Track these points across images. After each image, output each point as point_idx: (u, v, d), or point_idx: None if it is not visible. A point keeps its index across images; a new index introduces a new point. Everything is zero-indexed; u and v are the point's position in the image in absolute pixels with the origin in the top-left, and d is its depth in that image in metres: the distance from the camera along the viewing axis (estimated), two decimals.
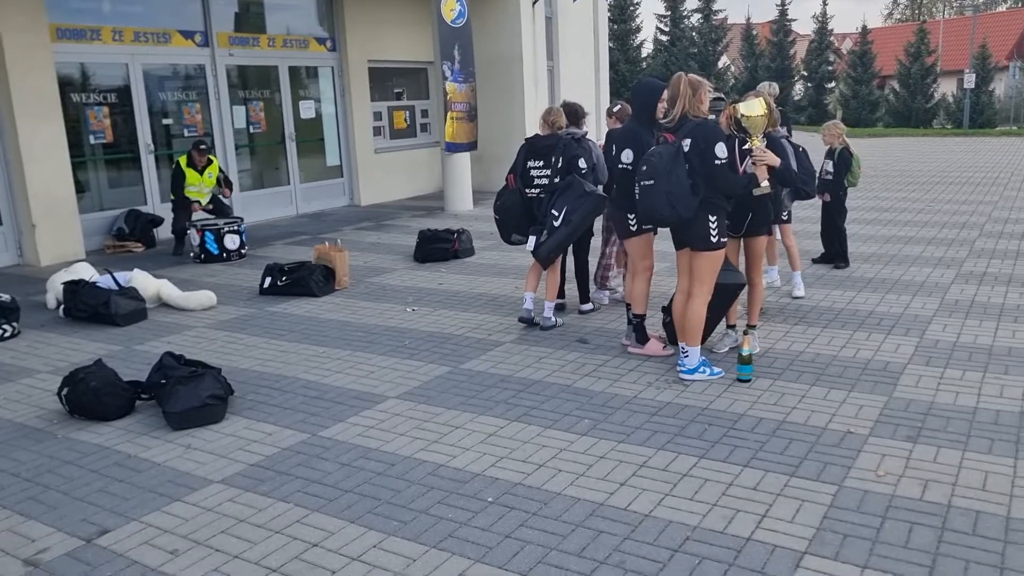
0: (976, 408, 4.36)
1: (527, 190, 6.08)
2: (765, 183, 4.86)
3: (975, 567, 2.95)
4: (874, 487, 3.55)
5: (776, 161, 4.87)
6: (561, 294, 6.58)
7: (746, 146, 4.87)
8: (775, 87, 8.08)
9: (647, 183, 4.73)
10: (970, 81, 29.84)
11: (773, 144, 5.33)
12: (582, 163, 5.87)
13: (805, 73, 36.37)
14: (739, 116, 4.79)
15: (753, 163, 4.85)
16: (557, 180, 5.91)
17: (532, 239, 5.92)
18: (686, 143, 4.70)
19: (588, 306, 6.57)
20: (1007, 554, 3.02)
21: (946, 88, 33.52)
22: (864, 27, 35.31)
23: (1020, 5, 50.24)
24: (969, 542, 3.10)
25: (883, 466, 3.74)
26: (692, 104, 4.74)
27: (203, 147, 9.70)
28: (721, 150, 4.63)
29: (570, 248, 6.30)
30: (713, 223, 4.70)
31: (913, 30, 35.00)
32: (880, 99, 34.37)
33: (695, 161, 4.66)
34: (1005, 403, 4.40)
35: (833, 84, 36.20)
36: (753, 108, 4.77)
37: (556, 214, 5.76)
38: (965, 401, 4.45)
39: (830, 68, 36.06)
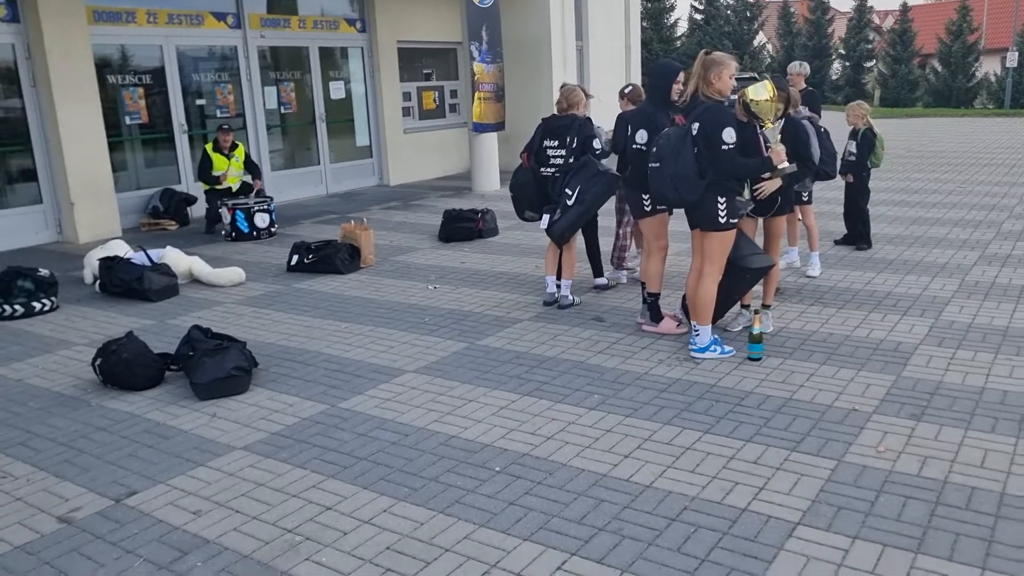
0: (984, 388, 4.39)
1: (542, 169, 6.16)
2: (784, 163, 4.86)
3: (964, 540, 3.02)
4: (873, 463, 3.62)
5: (783, 155, 4.84)
6: (599, 271, 6.74)
7: (760, 130, 4.90)
8: (806, 67, 8.08)
9: (654, 165, 4.81)
10: (1013, 59, 29.12)
11: (793, 125, 5.37)
12: (597, 143, 5.94)
13: (843, 52, 35.76)
14: (747, 101, 4.82)
15: (770, 146, 4.88)
16: (572, 160, 5.99)
17: (546, 217, 6.01)
18: (695, 126, 4.74)
19: (602, 280, 6.68)
20: (997, 528, 3.09)
21: (989, 67, 32.76)
22: (905, 4, 34.58)
23: None
24: (961, 516, 3.17)
25: (884, 443, 3.81)
26: (704, 83, 4.77)
27: (227, 128, 9.89)
28: (729, 135, 4.64)
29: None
30: (722, 204, 4.75)
31: (955, 7, 34.19)
32: (920, 78, 33.71)
33: (702, 145, 4.70)
34: (1013, 383, 4.43)
35: (872, 63, 35.56)
36: (760, 92, 4.79)
37: (570, 193, 5.85)
38: (973, 381, 4.49)
39: (869, 47, 35.42)
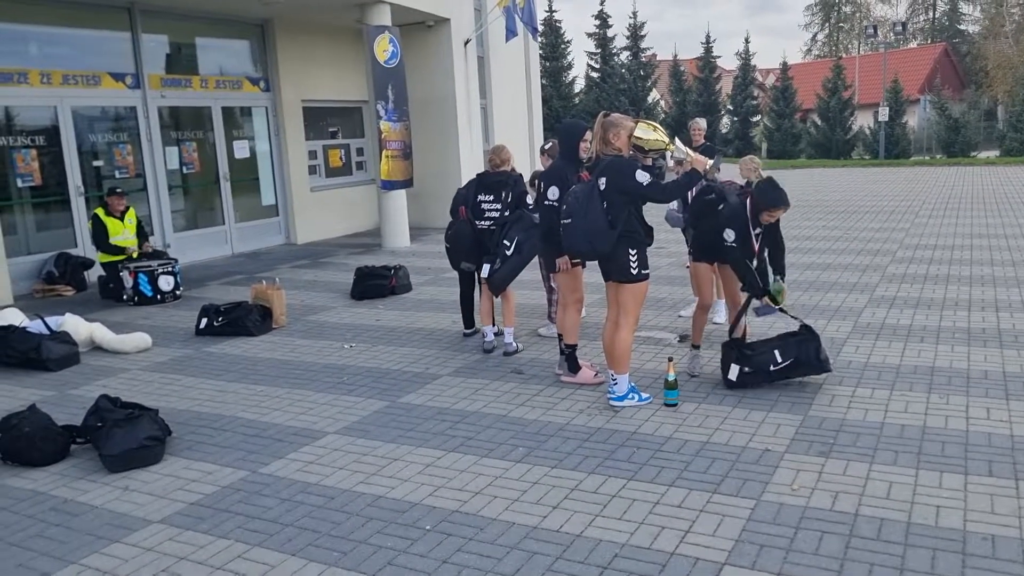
0: (883, 423, 4.67)
1: (478, 222, 6.45)
2: (709, 163, 5.02)
3: (879, 570, 3.19)
4: (789, 500, 3.79)
5: (702, 161, 5.03)
6: (472, 323, 7.08)
7: (669, 155, 5.13)
8: (703, 122, 8.52)
9: (566, 221, 5.00)
10: (884, 114, 31.34)
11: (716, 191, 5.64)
12: (529, 199, 6.24)
13: (731, 107, 37.69)
14: (638, 143, 5.06)
15: (687, 161, 5.05)
16: (508, 214, 6.29)
17: (487, 267, 6.27)
18: (602, 181, 4.96)
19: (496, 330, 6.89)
20: (907, 556, 3.27)
21: (863, 121, 35.11)
22: (784, 63, 36.85)
23: (929, 42, 53.07)
24: (873, 547, 3.35)
25: (798, 480, 3.99)
26: (604, 143, 5.02)
27: (119, 191, 9.60)
28: (642, 175, 4.87)
29: (467, 280, 6.93)
30: (633, 256, 4.95)
31: (830, 66, 36.65)
32: (802, 132, 35.79)
33: (617, 198, 4.90)
34: (909, 418, 4.72)
35: (758, 118, 37.59)
36: (646, 132, 5.04)
37: (508, 244, 6.11)
38: (873, 417, 4.76)
39: (754, 103, 37.45)
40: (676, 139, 5.10)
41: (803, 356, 5.25)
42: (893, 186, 20.01)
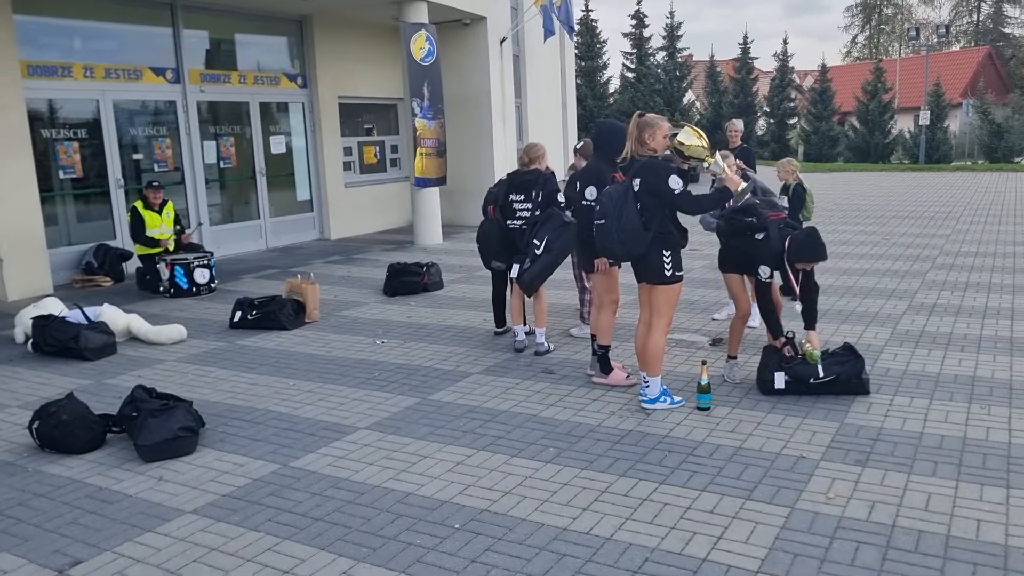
0: (922, 433, 4.57)
1: (509, 221, 6.43)
2: (741, 185, 4.97)
3: None
4: (824, 509, 3.72)
5: (735, 182, 4.97)
6: (504, 322, 7.08)
7: (705, 166, 5.06)
8: (740, 123, 8.47)
9: (599, 222, 4.95)
10: (925, 118, 30.81)
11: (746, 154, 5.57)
12: (561, 196, 6.18)
13: (767, 109, 37.27)
14: (678, 146, 5.01)
15: (722, 177, 5.00)
16: (538, 213, 6.24)
17: (516, 267, 6.20)
18: (636, 182, 4.91)
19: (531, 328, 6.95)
20: (946, 570, 3.19)
21: (903, 124, 34.55)
22: (823, 65, 36.36)
23: (972, 45, 52.06)
24: (911, 559, 3.28)
25: (833, 489, 3.92)
26: (639, 143, 4.96)
27: (156, 184, 9.74)
28: (675, 181, 4.81)
29: (499, 279, 6.92)
30: (667, 257, 4.90)
31: (870, 68, 36.10)
32: (840, 135, 35.29)
33: (649, 200, 4.86)
34: (949, 428, 4.62)
35: (795, 120, 37.13)
36: (689, 137, 4.98)
37: (538, 243, 6.04)
38: (912, 427, 4.66)
39: (791, 105, 37.00)
40: (717, 153, 5.06)
41: (845, 375, 5.16)
42: (933, 191, 19.65)
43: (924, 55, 37.36)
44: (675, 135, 5.12)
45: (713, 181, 5.73)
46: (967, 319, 7.05)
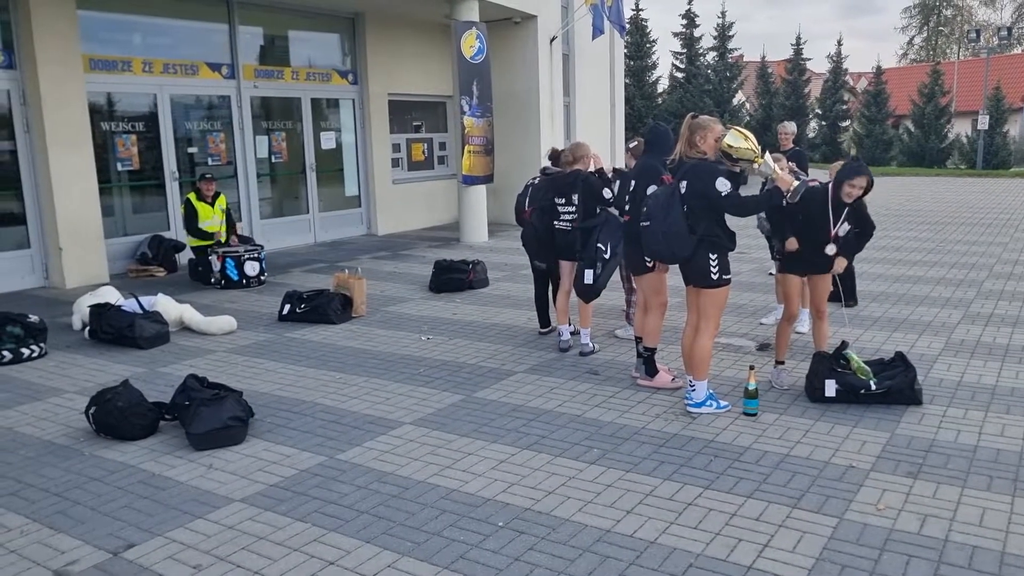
0: (977, 446, 4.46)
1: (555, 222, 6.41)
2: (795, 185, 4.86)
3: None
4: (874, 520, 3.65)
5: (787, 181, 4.89)
6: (548, 323, 7.10)
7: (756, 167, 4.97)
8: (793, 126, 8.36)
9: (645, 224, 4.94)
10: (984, 122, 29.98)
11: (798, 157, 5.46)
12: (607, 192, 6.11)
13: (819, 111, 36.63)
14: (727, 149, 4.91)
15: (772, 177, 4.93)
16: (582, 216, 6.24)
17: (589, 272, 6.12)
18: (682, 185, 4.86)
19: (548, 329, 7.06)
20: None
21: (960, 128, 33.67)
22: (878, 67, 35.60)
23: None
24: (965, 575, 3.20)
25: (883, 500, 3.84)
26: (689, 145, 4.90)
27: (209, 176, 9.95)
28: (722, 184, 4.76)
29: (541, 279, 6.99)
30: (714, 260, 4.85)
31: (927, 71, 35.25)
32: (894, 138, 34.52)
33: (696, 203, 4.81)
34: (1005, 442, 4.50)
35: (847, 123, 36.43)
36: (737, 139, 4.88)
37: (603, 248, 6.04)
38: (966, 439, 4.55)
39: (844, 107, 36.31)
40: (767, 153, 4.97)
41: (897, 386, 5.06)
42: (991, 197, 19.12)
43: (984, 58, 36.36)
44: (722, 137, 5.05)
45: (764, 183, 5.65)
46: None
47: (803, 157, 8.09)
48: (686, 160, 4.95)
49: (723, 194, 4.77)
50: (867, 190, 5.22)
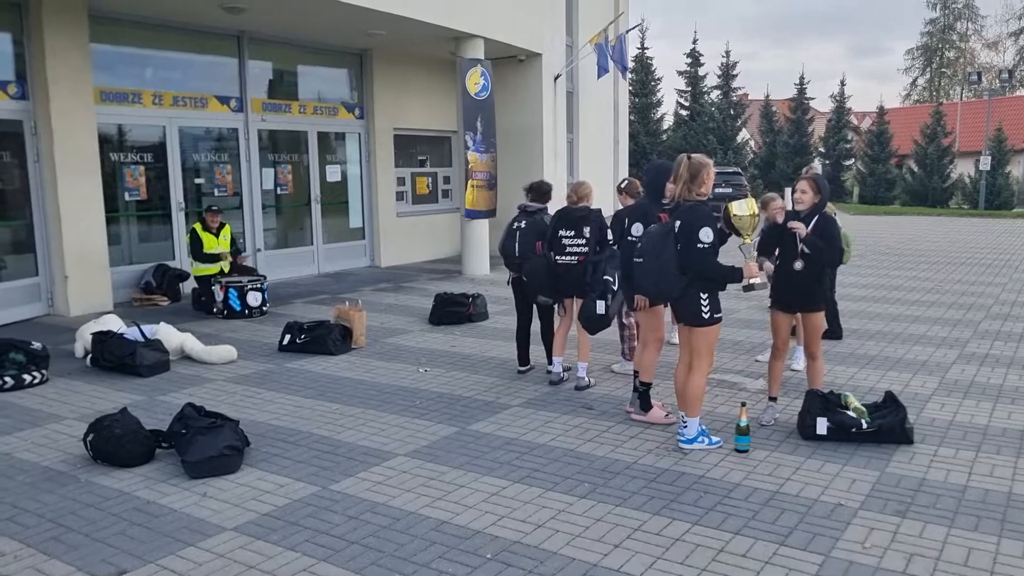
0: (966, 486, 4.48)
1: (559, 257, 6.42)
2: (756, 279, 5.04)
3: None
4: (860, 559, 3.68)
5: (755, 271, 5.04)
6: (527, 361, 7.11)
7: (740, 245, 5.06)
8: (818, 166, 8.64)
9: (637, 260, 5.02)
10: (986, 163, 30.16)
11: (826, 222, 5.47)
12: (610, 233, 6.24)
13: (823, 150, 36.92)
14: (731, 215, 5.01)
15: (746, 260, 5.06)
16: (593, 249, 6.29)
17: (601, 303, 6.08)
18: (677, 224, 4.94)
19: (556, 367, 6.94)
20: None
21: (963, 169, 33.86)
22: (881, 108, 35.93)
23: None
24: None
25: (870, 539, 3.87)
26: (687, 188, 4.97)
27: (215, 208, 10.10)
28: (706, 234, 4.82)
29: (537, 314, 6.99)
30: (704, 300, 4.91)
31: (930, 111, 35.55)
32: (897, 178, 34.74)
33: (682, 242, 4.89)
34: (994, 482, 4.52)
35: (851, 162, 36.68)
36: (743, 208, 4.97)
37: (611, 280, 6.06)
38: (955, 479, 4.58)
39: (848, 146, 36.60)
40: (753, 237, 5.12)
41: (888, 424, 5.10)
42: (992, 238, 19.20)
43: (986, 99, 36.67)
44: (734, 199, 5.16)
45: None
46: (1020, 371, 6.88)
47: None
48: (683, 202, 5.01)
49: (703, 245, 4.82)
50: (818, 206, 5.32)
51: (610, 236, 6.29)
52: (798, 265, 5.34)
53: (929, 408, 5.87)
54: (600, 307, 6.17)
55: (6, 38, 9.35)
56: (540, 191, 7.03)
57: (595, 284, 6.18)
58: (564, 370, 6.72)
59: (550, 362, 6.90)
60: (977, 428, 5.44)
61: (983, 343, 7.94)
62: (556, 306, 6.80)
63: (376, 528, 4.04)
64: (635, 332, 7.04)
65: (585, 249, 6.33)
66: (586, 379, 6.51)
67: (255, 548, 3.85)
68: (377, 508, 4.28)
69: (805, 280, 5.39)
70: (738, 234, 5.03)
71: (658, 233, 4.99)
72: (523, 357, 7.10)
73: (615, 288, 6.07)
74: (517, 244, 6.75)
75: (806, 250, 5.30)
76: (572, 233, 6.39)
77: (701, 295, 4.91)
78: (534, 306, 6.94)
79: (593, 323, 6.18)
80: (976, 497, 4.33)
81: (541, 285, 6.64)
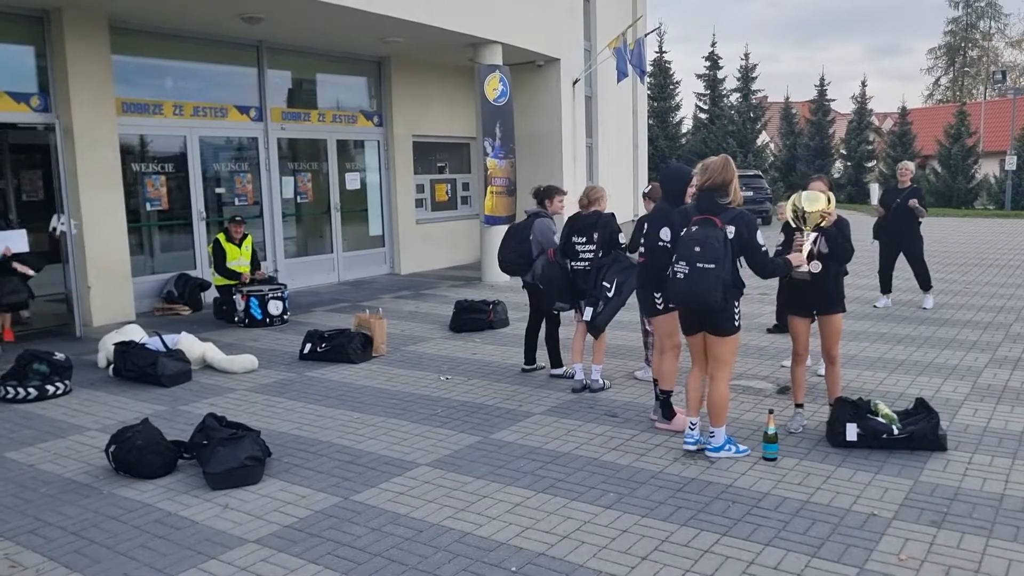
0: (1003, 495, 4.35)
1: (572, 263, 6.45)
2: (803, 268, 5.16)
3: None
4: (895, 571, 3.57)
5: (800, 260, 5.16)
6: (533, 360, 7.25)
7: (804, 232, 5.19)
8: (912, 164, 9.90)
9: (707, 266, 4.69)
10: (1011, 163, 29.74)
11: (840, 223, 5.42)
12: (621, 237, 6.24)
13: (844, 152, 36.57)
14: (800, 208, 5.10)
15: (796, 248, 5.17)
16: (601, 254, 6.29)
17: (589, 310, 6.22)
18: (730, 230, 4.81)
19: (560, 370, 7.04)
20: None
21: (988, 169, 33.41)
22: (903, 108, 35.55)
23: None
24: None
25: (905, 550, 3.76)
26: (723, 193, 4.87)
27: (239, 219, 10.12)
28: (761, 237, 4.88)
29: (537, 314, 7.08)
30: (737, 308, 4.87)
31: (953, 112, 35.13)
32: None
33: (736, 247, 4.83)
34: None
35: (873, 163, 36.30)
36: (815, 203, 5.05)
37: (608, 286, 6.09)
38: (992, 487, 4.45)
39: (869, 147, 36.23)
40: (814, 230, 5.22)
41: (920, 431, 4.98)
42: (1019, 239, 18.88)
43: (1011, 98, 36.16)
44: (803, 192, 5.29)
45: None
46: None
47: (920, 194, 9.67)
48: (731, 207, 4.88)
49: (761, 248, 4.87)
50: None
51: (623, 240, 6.25)
52: (815, 267, 5.26)
53: (962, 414, 5.74)
54: (587, 313, 6.21)
55: (29, 51, 9.43)
56: (535, 193, 7.19)
57: (589, 289, 6.20)
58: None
59: (527, 362, 7.17)
60: (1012, 435, 5.29)
61: (1015, 347, 7.77)
62: (574, 312, 6.74)
63: (399, 540, 3.98)
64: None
65: (595, 255, 6.34)
66: (600, 381, 6.48)
67: (277, 561, 3.80)
68: (400, 519, 4.22)
69: (822, 281, 5.34)
70: (802, 224, 5.19)
71: (720, 240, 4.73)
72: (530, 357, 7.20)
73: (609, 295, 6.04)
74: (499, 249, 7.04)
75: (823, 250, 5.26)
76: (584, 239, 6.44)
77: (735, 303, 4.84)
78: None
79: (596, 327, 6.27)
80: (1014, 506, 4.21)
81: (558, 292, 6.62)
